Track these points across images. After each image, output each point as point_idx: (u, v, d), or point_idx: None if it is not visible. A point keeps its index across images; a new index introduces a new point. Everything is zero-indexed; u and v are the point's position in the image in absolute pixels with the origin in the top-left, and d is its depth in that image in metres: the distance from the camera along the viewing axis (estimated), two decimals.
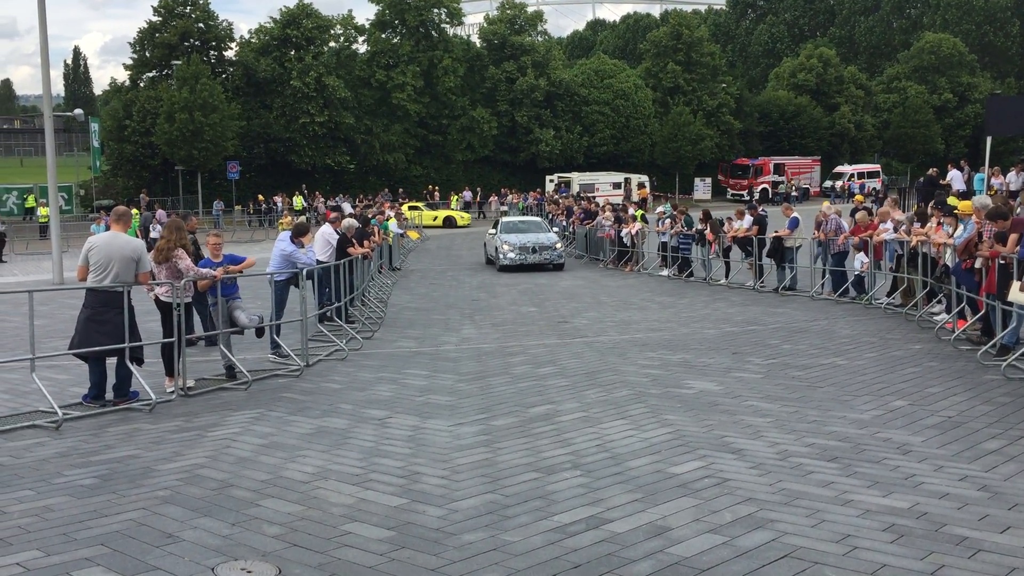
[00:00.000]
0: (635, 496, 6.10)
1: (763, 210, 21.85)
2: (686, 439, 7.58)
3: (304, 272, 12.63)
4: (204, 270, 10.53)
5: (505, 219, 30.27)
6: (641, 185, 61.36)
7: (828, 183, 67.59)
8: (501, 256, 26.38)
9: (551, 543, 5.27)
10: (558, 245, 26.91)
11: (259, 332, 12.00)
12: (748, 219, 20.98)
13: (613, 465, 6.84)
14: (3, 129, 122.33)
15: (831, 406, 8.69)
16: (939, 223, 14.35)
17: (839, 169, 69.66)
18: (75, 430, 8.22)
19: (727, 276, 21.73)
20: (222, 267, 10.92)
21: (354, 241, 16.30)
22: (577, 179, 59.06)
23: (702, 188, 66.99)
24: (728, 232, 21.73)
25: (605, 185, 58.64)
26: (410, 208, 49.92)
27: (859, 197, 23.67)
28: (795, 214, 19.82)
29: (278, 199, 53.36)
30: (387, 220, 29.67)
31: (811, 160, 70.10)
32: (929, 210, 15.37)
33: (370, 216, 26.19)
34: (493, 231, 28.84)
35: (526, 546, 5.23)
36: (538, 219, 31.80)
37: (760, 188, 63.58)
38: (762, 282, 20.18)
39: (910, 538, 5.24)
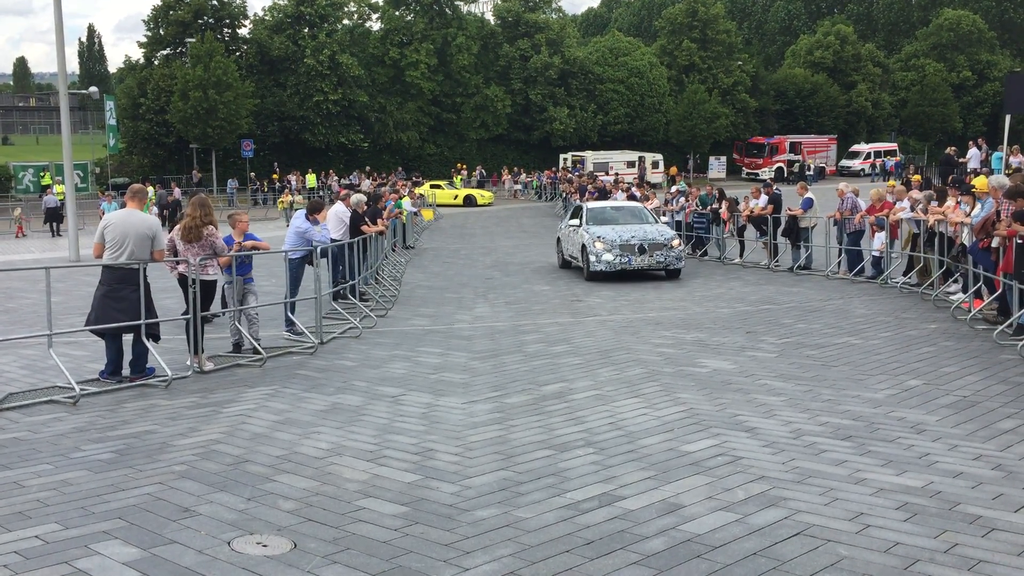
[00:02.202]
0: (648, 474, 6.11)
1: (777, 189, 21.74)
2: (699, 417, 7.58)
3: (318, 250, 12.66)
4: (251, 245, 10.73)
5: (592, 205, 21.37)
6: (656, 164, 61.16)
7: (845, 162, 67.12)
8: (593, 258, 18.05)
9: (564, 519, 5.29)
10: (675, 243, 18.57)
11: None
12: (764, 198, 20.88)
13: (626, 443, 6.85)
14: (19, 107, 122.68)
15: (845, 385, 8.67)
16: (956, 202, 14.24)
17: (856, 148, 69.15)
18: (92, 405, 8.29)
19: (741, 255, 21.65)
20: (250, 241, 11.06)
21: (367, 219, 16.32)
22: (591, 158, 58.83)
23: (717, 167, 66.65)
24: (743, 211, 21.64)
25: (619, 164, 58.39)
26: (432, 187, 49.90)
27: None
28: (809, 194, 19.70)
29: (292, 177, 53.42)
30: (401, 198, 29.65)
31: (827, 139, 69.57)
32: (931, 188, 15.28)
33: (382, 194, 26.13)
34: (574, 222, 20.06)
35: (539, 522, 5.25)
36: (637, 205, 21.79)
37: (775, 167, 63.19)
38: (777, 261, 20.10)
39: (924, 516, 5.24)
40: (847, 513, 5.30)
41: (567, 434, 7.14)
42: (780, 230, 20.04)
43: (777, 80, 75.69)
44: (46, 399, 8.43)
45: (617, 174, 47.46)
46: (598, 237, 18.18)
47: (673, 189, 29.14)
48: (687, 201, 24.73)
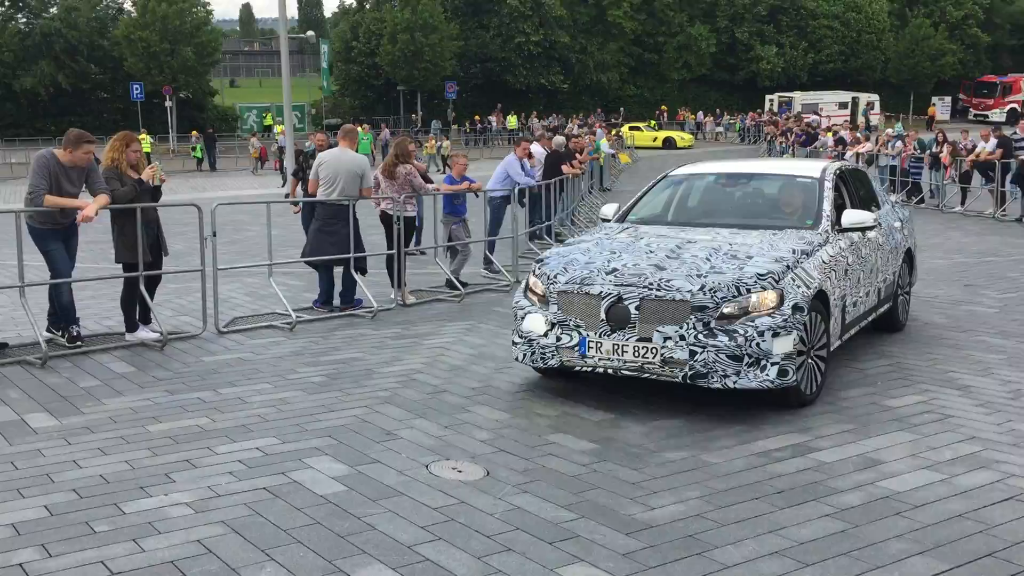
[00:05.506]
0: (847, 427, 5.89)
1: (1014, 132, 20.00)
2: (906, 372, 7.20)
3: (517, 190, 12.87)
4: (430, 185, 11.13)
5: (682, 171, 8.43)
6: (871, 105, 57.55)
7: None
8: (516, 337, 6.65)
9: (753, 467, 5.21)
10: (764, 299, 5.96)
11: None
12: (992, 141, 19.27)
13: (824, 394, 6.61)
14: (244, 51, 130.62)
15: None
16: None
17: None
18: (306, 332, 8.88)
19: (963, 203, 20.15)
20: (465, 182, 11.58)
21: (567, 160, 16.39)
22: (799, 98, 56.15)
23: (940, 108, 61.94)
24: (968, 156, 20.08)
25: (830, 105, 55.42)
26: (631, 128, 49.44)
27: None
28: None
29: (493, 118, 54.29)
30: (599, 140, 29.54)
31: None
32: None
33: (580, 135, 26.07)
34: (608, 211, 8.19)
35: (728, 468, 5.20)
36: (806, 177, 7.76)
37: (1008, 108, 57.96)
38: (1004, 210, 18.57)
39: None
40: None
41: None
42: (1009, 176, 18.44)
43: (1015, 12, 68.96)
44: (266, 324, 9.10)
45: (824, 116, 44.93)
46: (540, 263, 6.87)
47: (887, 132, 27.45)
48: (904, 146, 23.21)
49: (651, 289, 6.02)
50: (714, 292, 5.93)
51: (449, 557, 4.11)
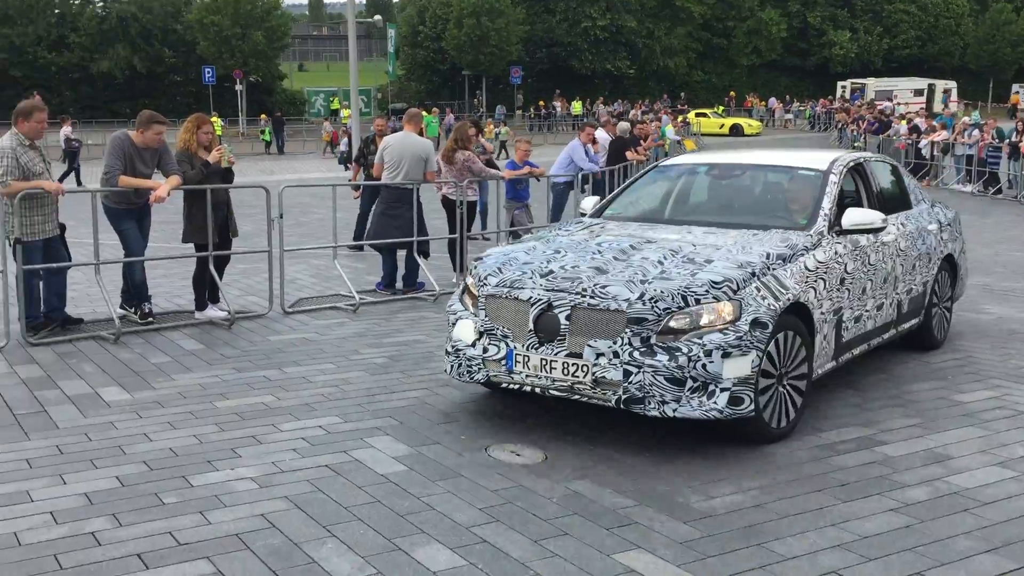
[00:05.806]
0: (913, 421, 5.77)
1: None
2: (977, 366, 7.02)
3: (580, 176, 12.83)
4: (493, 171, 11.13)
5: (678, 161, 7.77)
6: (947, 92, 55.93)
7: None
8: (448, 346, 5.96)
9: (816, 459, 5.14)
10: (720, 312, 5.10)
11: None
12: None
13: (891, 387, 6.49)
14: (312, 36, 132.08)
15: None
16: None
17: None
18: (369, 314, 8.99)
19: None
20: (527, 167, 11.61)
21: (631, 146, 16.27)
22: (872, 85, 54.84)
23: (1022, 95, 59.94)
24: None
25: (905, 92, 54.02)
26: (697, 115, 48.81)
27: None
28: None
29: (557, 103, 54.11)
30: (664, 126, 29.28)
31: None
32: None
33: (645, 121, 25.83)
34: (587, 204, 7.37)
35: (789, 459, 5.13)
36: (811, 170, 6.70)
37: None
38: None
39: None
40: None
41: (828, 375, 6.85)
42: None
43: None
44: (330, 306, 9.24)
45: (898, 104, 43.81)
46: (477, 261, 6.15)
47: (964, 120, 26.68)
48: (981, 134, 22.54)
49: (584, 296, 5.18)
50: (655, 302, 5.05)
51: (506, 539, 4.13)
